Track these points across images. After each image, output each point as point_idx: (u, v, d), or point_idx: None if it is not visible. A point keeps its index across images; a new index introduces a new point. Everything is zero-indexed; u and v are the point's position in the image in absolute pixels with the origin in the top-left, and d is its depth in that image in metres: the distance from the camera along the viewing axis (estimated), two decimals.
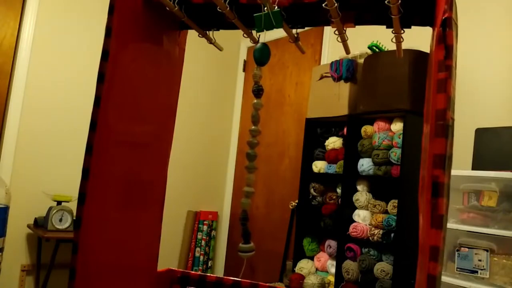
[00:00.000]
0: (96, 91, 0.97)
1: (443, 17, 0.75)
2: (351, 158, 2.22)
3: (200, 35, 1.22)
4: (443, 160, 0.71)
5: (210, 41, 1.24)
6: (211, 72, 3.73)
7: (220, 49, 1.29)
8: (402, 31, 1.01)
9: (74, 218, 2.27)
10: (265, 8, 1.00)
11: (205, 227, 3.53)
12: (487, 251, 1.66)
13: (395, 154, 1.99)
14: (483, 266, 1.66)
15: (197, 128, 3.62)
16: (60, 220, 2.55)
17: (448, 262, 1.77)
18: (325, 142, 2.45)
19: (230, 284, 1.24)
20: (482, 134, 1.91)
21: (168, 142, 1.26)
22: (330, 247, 2.27)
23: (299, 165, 2.68)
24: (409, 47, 2.02)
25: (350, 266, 2.11)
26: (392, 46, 2.30)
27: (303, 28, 1.13)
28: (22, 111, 2.70)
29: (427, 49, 1.74)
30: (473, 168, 1.89)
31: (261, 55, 1.12)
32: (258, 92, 1.15)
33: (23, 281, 2.70)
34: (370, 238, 2.04)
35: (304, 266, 2.38)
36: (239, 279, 1.24)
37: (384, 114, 2.10)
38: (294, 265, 2.44)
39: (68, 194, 2.82)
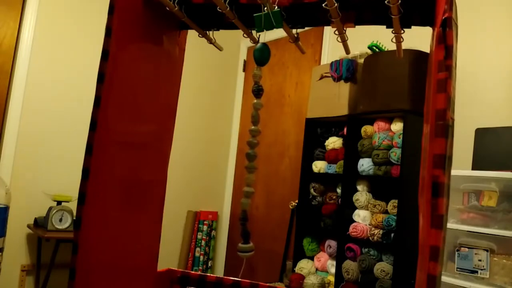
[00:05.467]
0: (96, 91, 0.97)
1: (443, 17, 0.75)
2: (351, 158, 2.22)
3: (200, 35, 1.22)
4: (443, 160, 0.71)
5: (210, 41, 1.24)
6: (211, 72, 3.73)
7: (220, 49, 1.29)
8: (402, 31, 1.01)
9: (74, 218, 2.27)
10: (265, 8, 1.00)
11: (205, 227, 3.53)
12: (487, 251, 1.66)
13: (395, 154, 1.99)
14: (483, 266, 1.66)
15: (197, 128, 3.62)
16: (60, 220, 2.55)
17: (448, 262, 1.77)
18: (325, 142, 2.45)
19: (230, 284, 1.24)
20: (482, 134, 1.91)
21: (168, 142, 1.26)
22: (330, 247, 2.27)
23: (299, 165, 2.68)
24: (409, 47, 2.02)
25: (350, 266, 2.11)
26: (392, 46, 2.30)
27: (303, 28, 1.13)
28: (22, 111, 2.70)
29: (427, 49, 1.74)
30: (473, 168, 1.89)
31: (261, 55, 1.12)
32: (258, 92, 1.15)
33: (23, 281, 2.70)
34: (370, 238, 2.04)
35: (304, 266, 2.38)
36: (239, 279, 1.24)
37: (384, 114, 2.10)
38: (294, 265, 2.44)
39: (68, 194, 2.82)
